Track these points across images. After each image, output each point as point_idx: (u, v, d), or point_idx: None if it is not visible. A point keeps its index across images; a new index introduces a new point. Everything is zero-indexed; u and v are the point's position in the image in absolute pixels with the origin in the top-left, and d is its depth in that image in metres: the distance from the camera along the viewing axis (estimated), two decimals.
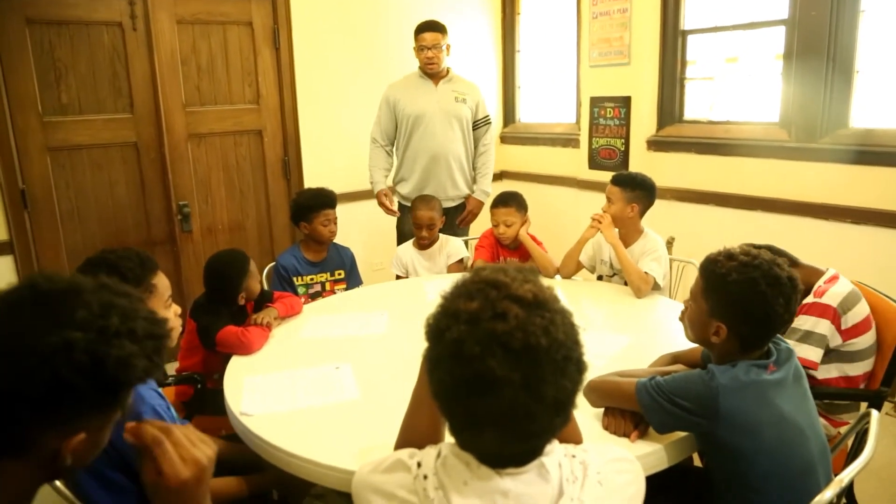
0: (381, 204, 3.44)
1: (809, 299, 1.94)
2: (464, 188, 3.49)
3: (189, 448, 0.89)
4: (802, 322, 1.90)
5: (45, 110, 3.24)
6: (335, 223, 2.86)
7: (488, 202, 3.24)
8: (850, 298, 1.92)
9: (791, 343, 1.83)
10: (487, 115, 3.53)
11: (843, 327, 1.90)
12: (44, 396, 0.77)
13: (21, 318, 0.79)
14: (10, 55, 3.12)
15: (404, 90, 3.40)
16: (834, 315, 1.89)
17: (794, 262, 2.01)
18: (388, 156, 3.49)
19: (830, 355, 1.91)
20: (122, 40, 3.37)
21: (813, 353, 1.87)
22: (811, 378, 1.91)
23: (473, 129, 3.49)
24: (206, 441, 0.93)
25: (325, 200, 2.82)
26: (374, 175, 3.46)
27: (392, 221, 3.60)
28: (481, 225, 3.44)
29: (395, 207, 3.50)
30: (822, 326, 1.88)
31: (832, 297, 1.91)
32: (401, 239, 3.48)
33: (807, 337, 1.88)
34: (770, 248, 2.00)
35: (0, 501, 0.82)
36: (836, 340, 1.90)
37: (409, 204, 3.40)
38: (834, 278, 1.97)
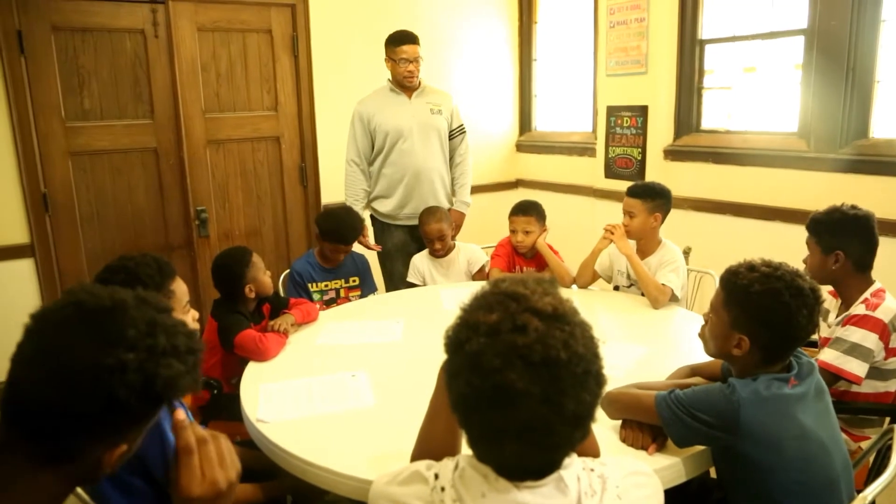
0: (360, 243, 3.16)
1: (860, 310, 1.87)
2: (445, 202, 3.35)
3: (213, 467, 0.90)
4: (850, 333, 1.84)
5: (67, 115, 3.30)
6: (344, 253, 2.89)
7: (496, 212, 3.23)
8: None
9: (836, 354, 1.82)
10: (462, 125, 3.40)
11: (890, 345, 1.85)
12: (100, 413, 0.80)
13: (72, 336, 0.81)
14: (36, 61, 3.18)
15: (377, 106, 3.22)
16: (883, 331, 1.84)
17: (867, 268, 1.95)
18: (366, 179, 3.32)
19: (868, 371, 1.84)
20: (143, 47, 3.42)
21: (858, 367, 1.81)
22: (848, 393, 1.88)
23: (449, 140, 3.37)
24: (235, 462, 0.93)
25: (336, 237, 2.83)
26: (354, 207, 3.22)
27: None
28: (488, 233, 3.44)
29: (372, 240, 3.35)
30: (871, 341, 1.82)
31: (885, 311, 1.85)
32: (384, 257, 3.39)
33: (853, 349, 1.82)
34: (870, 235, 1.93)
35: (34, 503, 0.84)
36: (879, 356, 1.84)
37: (389, 222, 3.34)
38: (881, 291, 1.92)
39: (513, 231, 2.87)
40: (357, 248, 3.09)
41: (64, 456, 0.83)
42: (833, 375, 1.83)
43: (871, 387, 1.88)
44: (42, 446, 0.82)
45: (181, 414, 0.91)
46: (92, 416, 0.80)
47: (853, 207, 1.98)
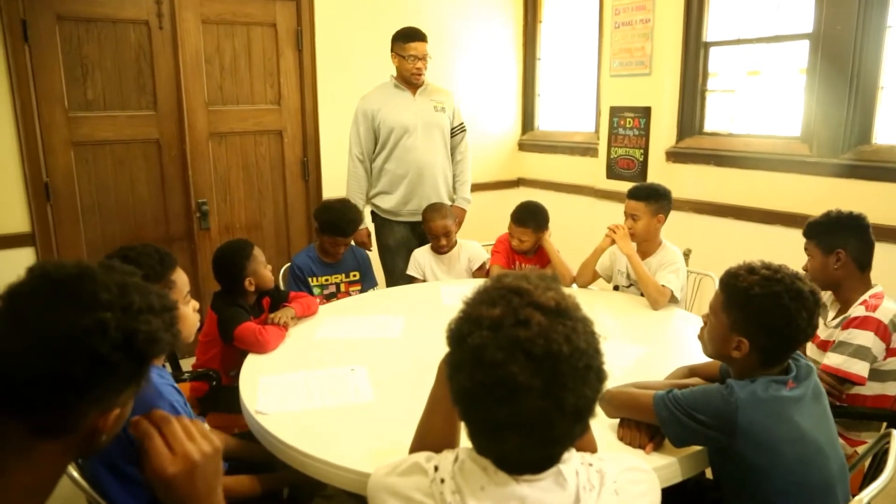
0: (360, 241, 3.22)
1: (860, 312, 1.90)
2: (446, 199, 3.36)
3: (183, 442, 0.91)
4: (854, 336, 1.86)
5: (70, 105, 3.29)
6: (344, 246, 2.90)
7: (498, 211, 3.23)
8: None
9: (843, 358, 1.84)
10: (462, 123, 3.42)
11: (891, 345, 1.87)
12: (87, 376, 0.80)
13: (46, 305, 0.81)
14: (40, 51, 3.17)
15: (382, 102, 3.23)
16: (885, 332, 1.86)
17: (867, 267, 1.98)
18: (368, 178, 3.33)
19: (869, 372, 1.87)
20: (147, 38, 3.42)
21: (863, 369, 1.84)
22: (848, 395, 1.89)
23: (450, 138, 3.38)
24: (207, 436, 0.94)
25: (334, 229, 2.83)
26: (356, 203, 3.20)
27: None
28: (489, 231, 3.44)
29: (374, 237, 3.37)
30: (872, 341, 1.85)
31: (884, 312, 1.88)
32: (384, 252, 3.40)
33: (858, 352, 1.85)
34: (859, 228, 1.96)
35: (33, 480, 0.84)
36: (880, 357, 1.87)
37: (391, 218, 3.34)
38: (880, 293, 1.94)
39: (510, 234, 2.89)
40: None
41: (59, 426, 0.83)
42: (839, 379, 1.84)
43: (869, 389, 1.89)
44: (35, 419, 0.82)
45: (135, 419, 0.92)
46: (80, 378, 0.80)
47: (845, 210, 2.03)
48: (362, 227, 3.21)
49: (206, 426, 0.98)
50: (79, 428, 0.85)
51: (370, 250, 3.26)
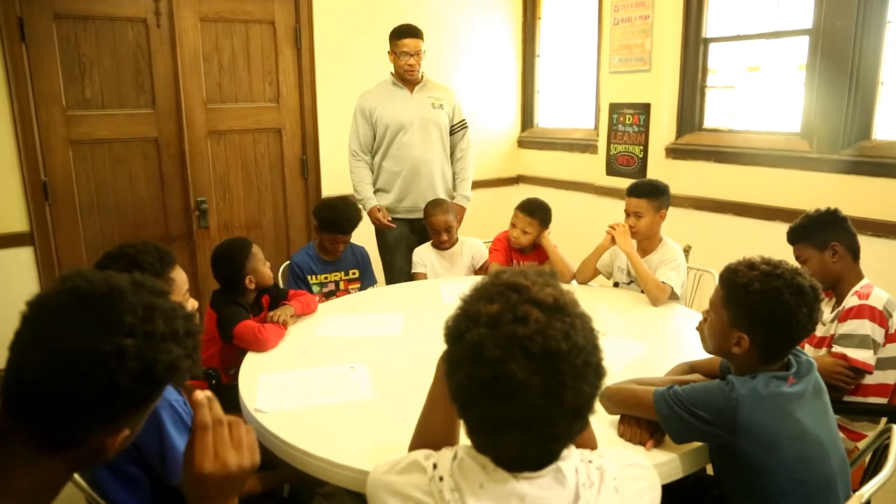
0: (377, 220, 3.29)
1: (854, 301, 1.93)
2: (444, 197, 3.34)
3: (226, 448, 0.91)
4: (855, 327, 1.89)
5: (68, 104, 3.29)
6: (344, 244, 2.89)
7: (497, 208, 3.23)
8: (891, 303, 1.93)
9: (850, 351, 1.87)
10: (464, 119, 3.42)
11: (890, 330, 1.90)
12: (98, 401, 0.80)
13: (69, 323, 0.80)
14: (38, 49, 3.17)
15: (380, 99, 3.25)
16: (881, 317, 1.89)
17: (858, 256, 2.01)
18: (370, 170, 3.34)
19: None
20: (146, 37, 3.41)
21: (869, 357, 1.86)
22: (855, 389, 1.91)
23: (450, 134, 3.39)
24: (253, 452, 0.93)
25: (333, 227, 2.82)
26: (363, 191, 3.29)
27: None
28: (488, 228, 3.44)
29: (374, 235, 3.38)
30: (871, 329, 1.87)
31: (877, 299, 1.91)
32: (383, 249, 3.40)
33: (863, 342, 1.87)
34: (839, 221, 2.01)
35: (34, 488, 0.84)
36: (881, 343, 1.89)
37: (389, 215, 3.32)
38: (870, 285, 1.98)
39: (513, 225, 2.87)
40: (360, 238, 3.08)
41: (66, 442, 0.83)
42: (850, 367, 1.87)
43: (870, 377, 1.91)
44: (44, 433, 0.82)
45: (200, 394, 0.91)
46: (92, 402, 0.79)
47: (821, 208, 2.08)
48: (374, 204, 3.26)
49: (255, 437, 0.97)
50: (85, 445, 0.84)
51: (392, 226, 3.28)
